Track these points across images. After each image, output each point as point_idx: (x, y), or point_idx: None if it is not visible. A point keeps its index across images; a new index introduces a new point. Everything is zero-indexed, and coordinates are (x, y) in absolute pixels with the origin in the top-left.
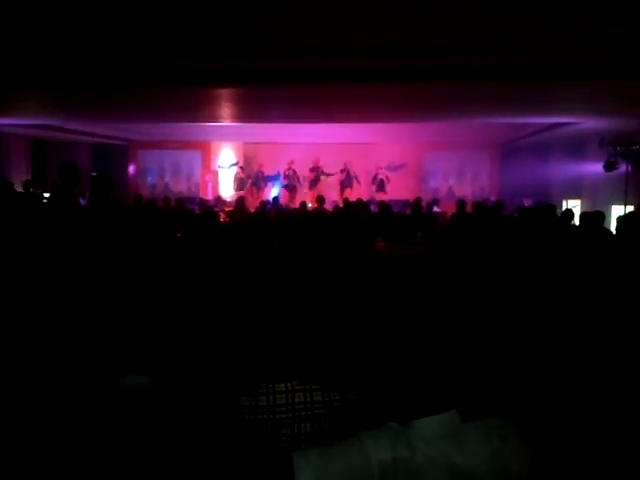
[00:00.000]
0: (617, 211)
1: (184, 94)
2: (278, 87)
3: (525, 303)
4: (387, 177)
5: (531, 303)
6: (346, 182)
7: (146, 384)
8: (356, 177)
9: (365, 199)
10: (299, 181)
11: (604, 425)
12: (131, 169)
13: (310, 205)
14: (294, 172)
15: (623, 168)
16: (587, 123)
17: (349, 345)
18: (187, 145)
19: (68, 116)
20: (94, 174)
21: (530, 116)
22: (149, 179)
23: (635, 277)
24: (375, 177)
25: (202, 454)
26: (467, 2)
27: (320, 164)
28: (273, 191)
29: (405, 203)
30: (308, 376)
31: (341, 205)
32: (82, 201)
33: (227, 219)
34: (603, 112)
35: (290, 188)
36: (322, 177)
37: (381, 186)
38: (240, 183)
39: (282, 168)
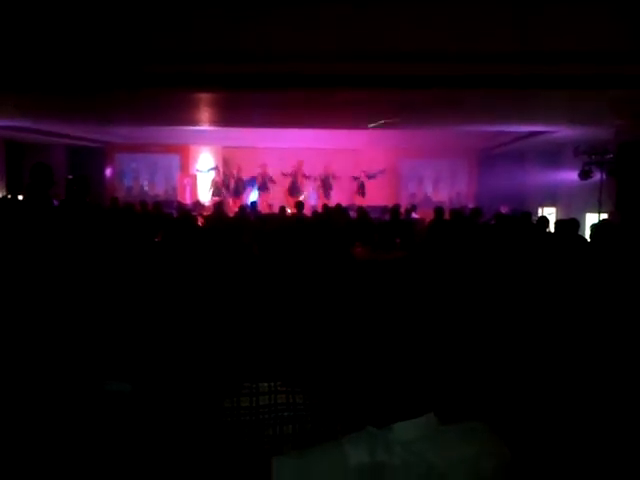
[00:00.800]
0: (591, 219)
1: (163, 97)
2: (257, 91)
3: (502, 308)
4: (364, 183)
5: (508, 308)
6: (326, 186)
7: (127, 390)
8: (333, 178)
9: (344, 204)
10: (272, 180)
11: (584, 428)
12: (108, 172)
13: (289, 210)
14: (267, 176)
15: (598, 176)
16: (563, 132)
17: (327, 348)
18: (165, 149)
19: (43, 117)
20: (70, 177)
21: (507, 124)
22: (126, 182)
23: (608, 283)
24: (357, 178)
25: (184, 456)
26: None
27: (299, 168)
28: (252, 195)
29: (383, 209)
30: (291, 378)
31: (320, 210)
32: (56, 203)
33: (205, 223)
34: (578, 121)
35: (263, 189)
36: (299, 180)
37: (361, 187)
38: (218, 187)
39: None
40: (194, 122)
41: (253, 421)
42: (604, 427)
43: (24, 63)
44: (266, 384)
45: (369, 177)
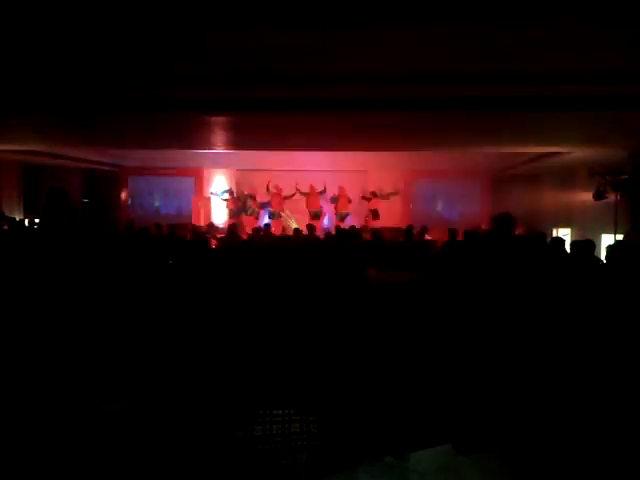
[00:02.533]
0: (607, 240)
1: (177, 121)
2: (272, 115)
3: (519, 331)
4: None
5: (525, 331)
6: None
7: (117, 410)
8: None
9: (358, 226)
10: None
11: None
12: (123, 195)
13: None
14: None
15: (612, 197)
16: (576, 153)
17: (341, 373)
18: (180, 171)
19: (59, 142)
20: (86, 200)
21: (521, 146)
22: (141, 205)
23: (625, 304)
24: (369, 199)
25: None
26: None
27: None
28: (265, 218)
29: (396, 230)
30: (305, 405)
31: (333, 232)
32: (72, 227)
33: (219, 245)
34: (592, 142)
35: (276, 216)
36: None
37: (375, 215)
38: (232, 210)
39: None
40: (209, 145)
41: (266, 450)
42: (613, 448)
43: (42, 87)
44: (280, 412)
45: (382, 197)
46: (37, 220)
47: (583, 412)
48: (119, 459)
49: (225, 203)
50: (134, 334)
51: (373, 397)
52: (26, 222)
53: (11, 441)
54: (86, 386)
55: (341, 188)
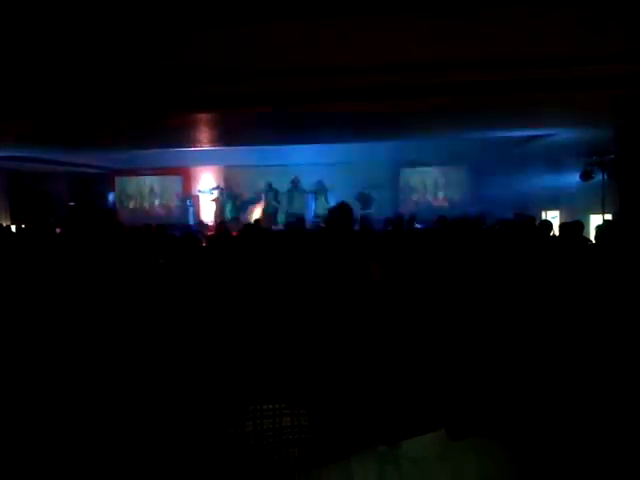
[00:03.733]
0: (596, 220)
1: (162, 120)
2: (258, 109)
3: (511, 316)
4: (369, 194)
5: (515, 315)
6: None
7: (111, 414)
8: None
9: None
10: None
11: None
12: (110, 197)
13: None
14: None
15: (600, 177)
16: (562, 134)
17: (332, 363)
18: (167, 171)
19: (44, 147)
20: (72, 203)
21: (506, 129)
22: (129, 206)
23: (615, 285)
24: (360, 194)
25: None
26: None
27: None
28: (255, 213)
29: (386, 220)
30: (295, 398)
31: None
32: (58, 230)
33: (209, 243)
34: (578, 123)
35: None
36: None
37: (367, 203)
38: (221, 207)
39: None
40: (195, 142)
41: (258, 445)
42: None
43: (26, 91)
44: (270, 406)
45: (372, 187)
46: (23, 226)
47: (576, 397)
48: (115, 458)
49: (214, 200)
50: (125, 333)
51: (364, 386)
52: (13, 228)
53: (11, 441)
54: (81, 390)
55: None
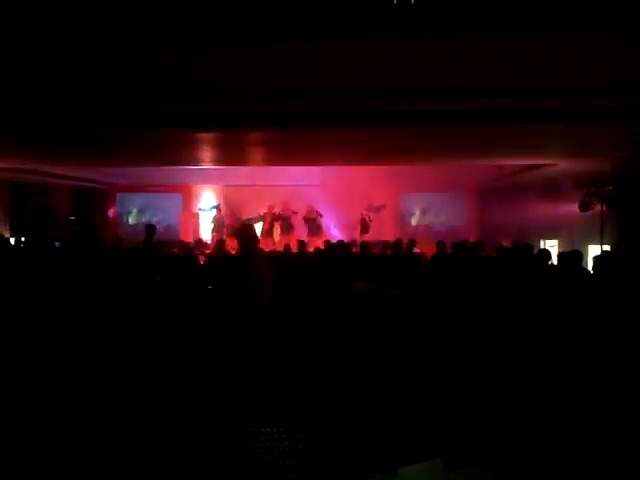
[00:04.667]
0: (594, 250)
1: (165, 137)
2: (260, 130)
3: (506, 343)
4: (370, 218)
5: (512, 342)
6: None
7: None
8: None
9: (347, 240)
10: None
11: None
12: (111, 212)
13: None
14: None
15: (598, 208)
16: (562, 164)
17: (330, 388)
18: (168, 188)
19: (46, 161)
20: (72, 217)
21: (506, 158)
22: (129, 222)
23: (612, 314)
24: (360, 219)
25: None
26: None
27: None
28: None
29: (385, 244)
30: (293, 422)
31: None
32: (58, 244)
33: (207, 261)
34: (577, 154)
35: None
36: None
37: (365, 228)
38: (220, 226)
39: (264, 210)
40: (196, 161)
41: (255, 469)
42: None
43: (27, 111)
44: (268, 429)
45: (372, 211)
46: (23, 239)
47: (571, 423)
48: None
49: (212, 218)
50: (123, 349)
51: (362, 413)
52: (12, 240)
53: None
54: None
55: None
